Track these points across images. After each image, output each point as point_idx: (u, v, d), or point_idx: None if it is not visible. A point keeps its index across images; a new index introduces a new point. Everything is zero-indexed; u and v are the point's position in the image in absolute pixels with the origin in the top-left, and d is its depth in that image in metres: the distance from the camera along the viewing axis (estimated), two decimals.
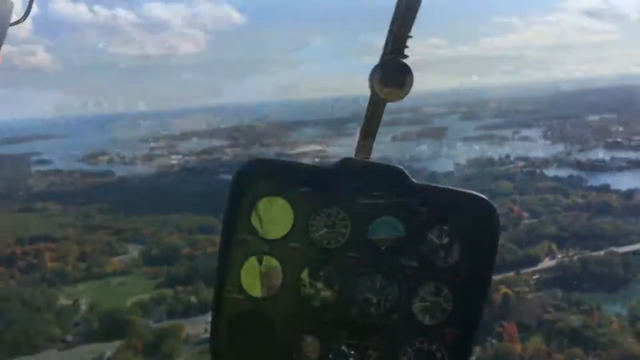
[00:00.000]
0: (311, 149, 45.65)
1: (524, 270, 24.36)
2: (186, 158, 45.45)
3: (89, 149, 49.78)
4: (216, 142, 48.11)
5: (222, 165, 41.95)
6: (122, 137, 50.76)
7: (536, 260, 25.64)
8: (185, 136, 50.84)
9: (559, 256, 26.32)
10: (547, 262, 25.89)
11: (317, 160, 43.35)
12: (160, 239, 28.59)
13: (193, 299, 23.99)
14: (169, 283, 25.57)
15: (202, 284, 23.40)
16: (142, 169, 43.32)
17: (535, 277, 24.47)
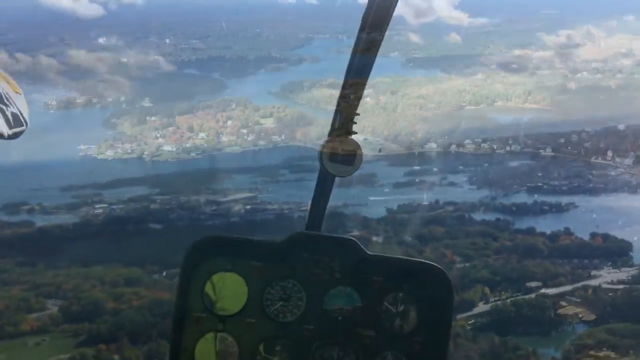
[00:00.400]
0: (243, 196, 44.86)
1: (459, 316, 24.32)
2: (112, 207, 43.54)
3: (7, 199, 47.21)
4: (144, 190, 46.48)
5: (151, 214, 40.45)
6: (44, 185, 48.43)
7: (471, 305, 25.70)
8: (112, 184, 48.93)
9: (493, 300, 26.58)
10: (481, 307, 25.97)
11: (248, 207, 42.69)
12: (82, 294, 26.81)
13: (117, 358, 22.49)
14: (90, 341, 23.66)
15: (127, 342, 22.03)
16: (64, 219, 41.14)
17: (471, 322, 24.49)
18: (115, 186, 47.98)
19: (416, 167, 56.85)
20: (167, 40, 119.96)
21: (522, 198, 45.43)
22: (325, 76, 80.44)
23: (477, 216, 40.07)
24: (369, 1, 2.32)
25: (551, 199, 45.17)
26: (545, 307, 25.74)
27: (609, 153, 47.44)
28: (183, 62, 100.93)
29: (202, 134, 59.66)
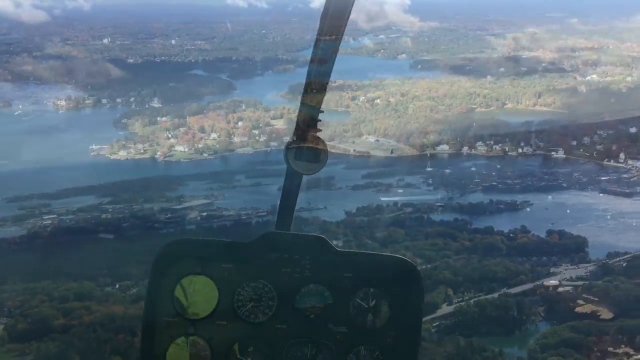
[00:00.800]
0: (199, 203, 44.07)
1: (424, 319, 23.95)
2: (61, 217, 41.96)
3: None
4: (95, 200, 45.00)
5: (102, 224, 39.17)
6: None
7: (435, 307, 25.46)
8: (61, 194, 47.40)
9: (456, 301, 26.41)
10: (445, 309, 25.77)
11: (205, 214, 41.89)
12: (29, 310, 25.33)
13: None
14: None
15: None
16: (10, 231, 39.37)
17: (435, 324, 24.21)
18: (64, 196, 46.37)
19: (372, 169, 57.45)
20: (173, 42, 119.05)
21: (478, 198, 45.78)
22: (333, 77, 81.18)
23: (436, 217, 40.14)
24: (325, 4, 2.36)
25: (506, 198, 45.64)
26: (508, 307, 25.69)
27: (621, 155, 48.63)
28: (190, 62, 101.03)
29: (213, 135, 61.56)
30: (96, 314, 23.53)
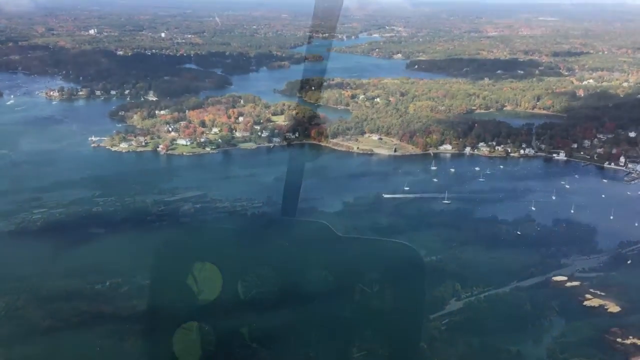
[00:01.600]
0: (192, 195, 43.08)
1: (432, 315, 22.73)
2: (51, 211, 40.63)
3: None
4: (86, 192, 43.62)
5: (93, 217, 37.85)
6: None
7: (443, 303, 24.19)
8: (52, 187, 46.17)
9: (465, 296, 25.09)
10: (454, 304, 24.56)
11: (198, 206, 40.93)
12: (14, 312, 23.94)
13: None
14: None
15: None
16: None
17: (445, 321, 22.93)
18: (55, 189, 44.99)
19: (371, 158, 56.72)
20: (163, 35, 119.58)
21: (479, 186, 44.88)
22: (331, 75, 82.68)
23: (437, 206, 39.05)
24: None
25: (507, 185, 44.86)
26: (520, 301, 24.41)
27: (622, 159, 51.80)
28: (182, 56, 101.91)
29: (215, 129, 65.24)
30: (85, 315, 22.31)
